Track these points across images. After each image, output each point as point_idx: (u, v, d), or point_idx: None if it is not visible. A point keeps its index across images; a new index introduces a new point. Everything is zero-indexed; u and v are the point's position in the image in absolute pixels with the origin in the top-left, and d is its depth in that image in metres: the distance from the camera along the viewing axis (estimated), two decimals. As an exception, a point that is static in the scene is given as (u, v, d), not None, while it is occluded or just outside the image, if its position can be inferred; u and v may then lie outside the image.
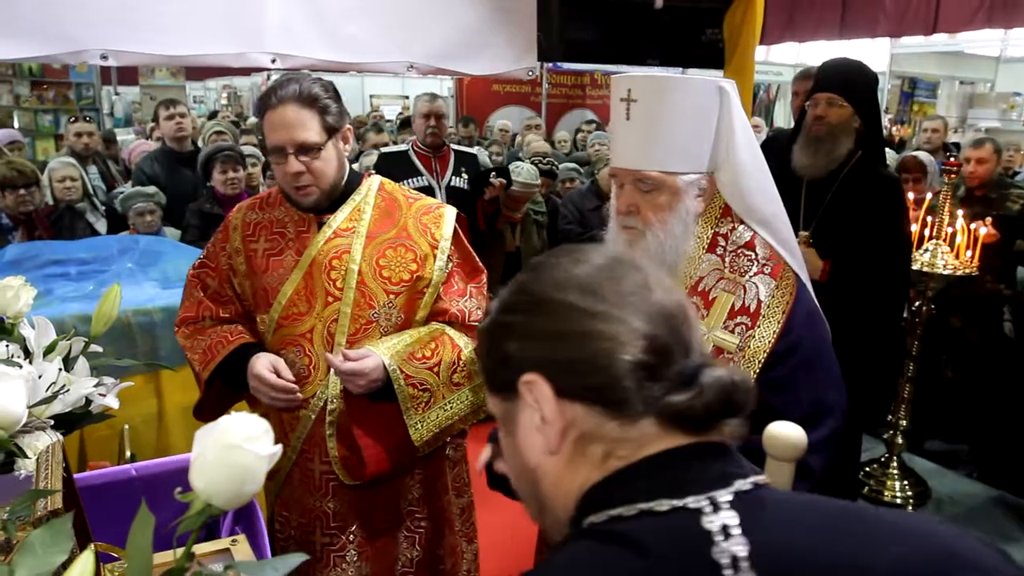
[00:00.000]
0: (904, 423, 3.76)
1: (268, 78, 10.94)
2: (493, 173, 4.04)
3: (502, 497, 1.24)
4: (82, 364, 1.38)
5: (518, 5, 4.44)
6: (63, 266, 2.91)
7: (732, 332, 1.47)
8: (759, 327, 1.46)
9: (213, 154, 4.02)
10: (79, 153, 4.99)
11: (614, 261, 0.78)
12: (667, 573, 0.65)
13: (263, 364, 1.70)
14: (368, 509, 1.86)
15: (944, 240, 3.51)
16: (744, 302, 1.48)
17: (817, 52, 8.18)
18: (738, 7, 4.76)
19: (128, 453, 2.13)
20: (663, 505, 0.68)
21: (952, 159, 3.60)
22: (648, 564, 0.65)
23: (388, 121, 9.18)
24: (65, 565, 0.71)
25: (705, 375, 0.72)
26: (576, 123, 8.59)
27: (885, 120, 9.13)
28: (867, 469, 3.80)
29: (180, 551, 0.71)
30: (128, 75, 9.81)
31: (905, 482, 3.72)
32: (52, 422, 1.22)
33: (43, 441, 1.14)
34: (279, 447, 0.72)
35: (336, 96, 1.73)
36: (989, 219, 3.73)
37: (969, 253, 3.48)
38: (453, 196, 4.03)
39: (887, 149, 5.57)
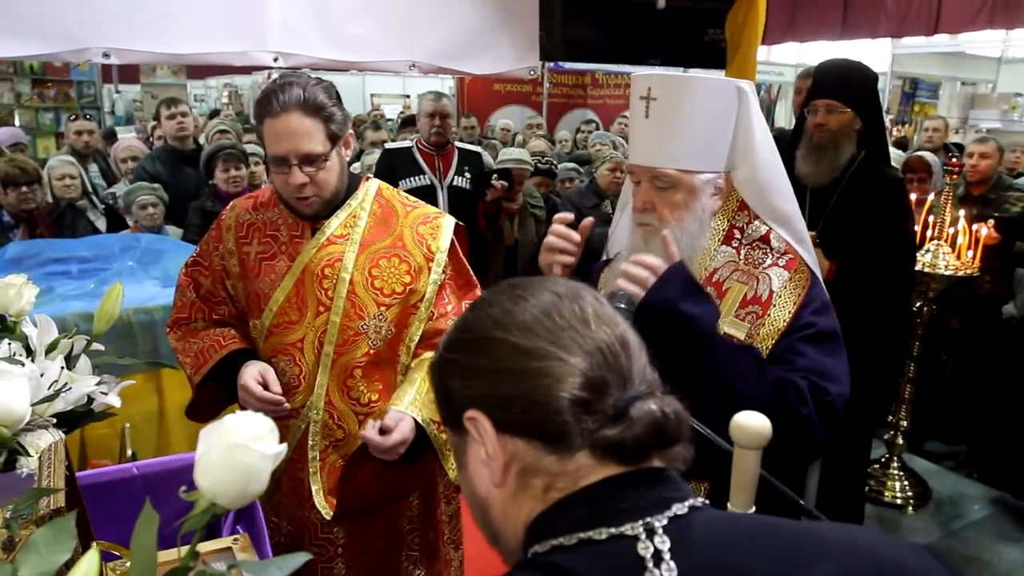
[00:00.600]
0: (905, 424, 3.76)
1: (268, 77, 10.95)
2: (495, 176, 4.05)
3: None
4: (84, 362, 1.38)
5: (520, 5, 4.44)
6: (64, 264, 2.91)
7: (743, 320, 1.49)
8: (769, 314, 1.47)
9: (215, 152, 4.02)
10: (79, 151, 5.00)
11: (555, 297, 0.78)
12: None
13: (250, 374, 1.66)
14: (359, 532, 1.80)
15: (945, 241, 3.51)
16: (756, 292, 1.49)
17: (818, 52, 8.19)
18: (740, 7, 4.76)
19: (129, 451, 2.13)
20: (601, 534, 0.70)
21: (954, 159, 3.60)
22: None
23: (389, 120, 9.17)
24: (68, 564, 0.71)
25: (636, 408, 0.73)
26: (577, 123, 8.58)
27: (887, 120, 9.12)
28: (868, 470, 3.80)
29: (184, 549, 0.71)
30: (129, 73, 9.81)
31: (905, 483, 3.72)
32: (54, 420, 1.22)
33: (45, 439, 1.14)
34: (283, 446, 0.72)
35: (339, 100, 1.68)
36: (991, 221, 3.73)
37: (970, 254, 3.49)
38: (455, 196, 4.03)
39: (895, 149, 5.59)
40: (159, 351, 2.69)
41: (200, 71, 11.56)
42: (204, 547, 1.44)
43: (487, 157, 4.68)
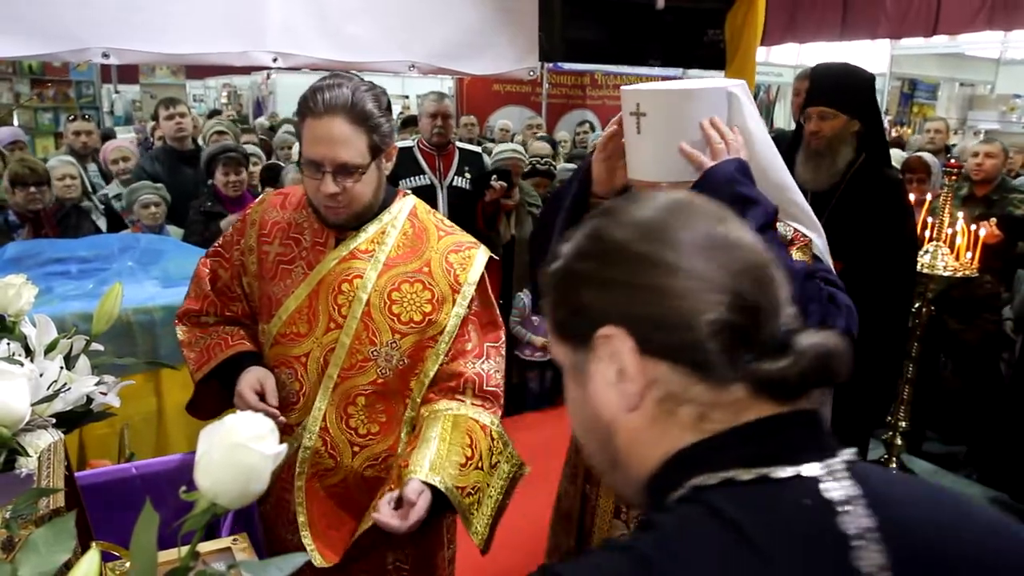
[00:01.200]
0: (903, 424, 3.76)
1: (268, 77, 10.95)
2: (494, 176, 4.05)
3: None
4: (83, 362, 1.38)
5: (520, 5, 4.44)
6: (64, 264, 2.91)
7: None
8: None
9: (217, 154, 4.02)
10: (78, 151, 5.00)
11: (694, 210, 0.72)
12: (791, 541, 0.61)
13: (248, 382, 1.58)
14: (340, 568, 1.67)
15: (944, 242, 3.52)
16: None
17: (818, 53, 8.20)
18: (740, 8, 4.77)
19: (128, 452, 2.13)
20: (780, 472, 0.64)
21: (953, 160, 3.60)
22: (770, 530, 0.61)
23: (390, 120, 9.15)
24: (68, 564, 0.71)
25: (800, 341, 0.67)
26: (577, 123, 8.59)
27: (885, 121, 9.12)
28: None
29: (184, 549, 0.71)
30: (128, 73, 9.81)
31: (905, 483, 3.72)
32: (53, 420, 1.22)
33: (45, 439, 1.13)
34: (284, 447, 0.72)
35: (388, 110, 1.57)
36: (993, 220, 3.73)
37: (969, 255, 3.49)
38: (454, 195, 4.04)
39: (895, 149, 5.59)
40: (158, 351, 2.69)
41: (199, 71, 11.56)
42: (204, 547, 1.44)
43: (487, 158, 4.70)
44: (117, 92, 9.91)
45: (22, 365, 1.13)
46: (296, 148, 5.83)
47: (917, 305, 3.57)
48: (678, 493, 0.67)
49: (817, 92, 2.74)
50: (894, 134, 9.02)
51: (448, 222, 1.74)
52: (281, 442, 1.63)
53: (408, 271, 1.62)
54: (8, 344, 1.30)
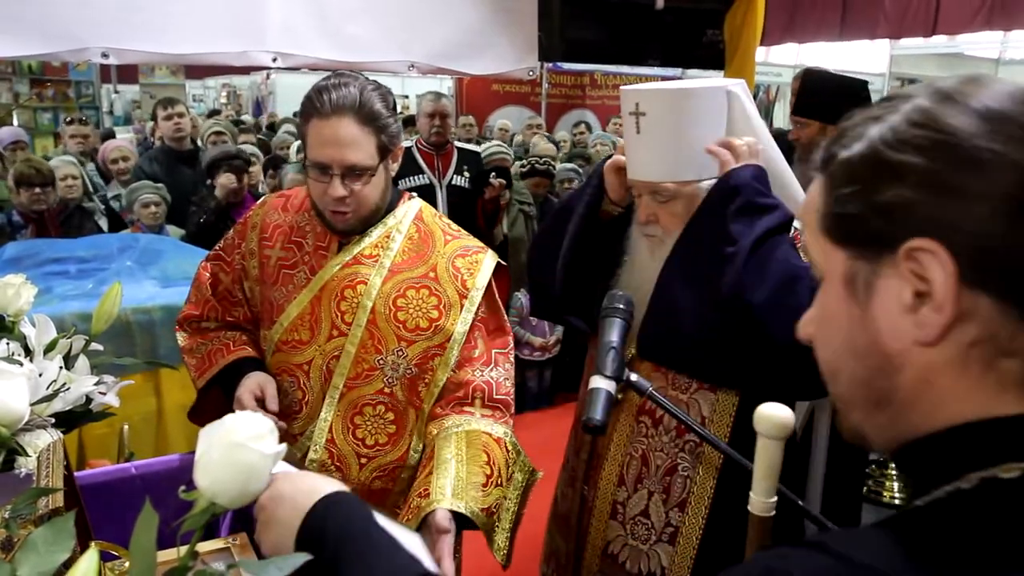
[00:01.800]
0: (903, 424, 3.76)
1: (268, 77, 10.95)
2: (493, 174, 4.06)
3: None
4: (82, 362, 1.38)
5: (519, 5, 4.44)
6: (63, 264, 2.91)
7: None
8: None
9: (220, 159, 3.99)
10: (77, 151, 5.01)
11: None
12: None
13: (247, 387, 1.53)
14: None
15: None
16: None
17: (817, 53, 8.20)
18: (739, 8, 4.77)
19: (127, 451, 2.13)
20: None
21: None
22: None
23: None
24: (67, 564, 0.71)
25: None
26: (573, 124, 8.60)
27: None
28: (866, 469, 3.80)
29: (183, 549, 0.71)
30: (128, 73, 9.81)
31: (904, 482, 3.72)
32: (53, 420, 1.22)
33: (44, 439, 1.13)
34: (284, 446, 0.72)
35: (394, 110, 1.53)
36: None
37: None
38: (454, 195, 4.05)
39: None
40: (157, 351, 2.69)
41: (199, 71, 11.57)
42: (203, 547, 1.44)
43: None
44: (116, 92, 9.92)
45: (21, 365, 1.13)
46: (295, 148, 5.84)
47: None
48: (964, 482, 0.54)
49: (794, 99, 2.92)
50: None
51: (455, 226, 1.70)
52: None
53: (414, 277, 1.58)
54: (7, 344, 1.30)
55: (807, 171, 2.93)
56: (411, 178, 3.98)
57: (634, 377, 1.37)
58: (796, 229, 1.57)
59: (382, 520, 0.78)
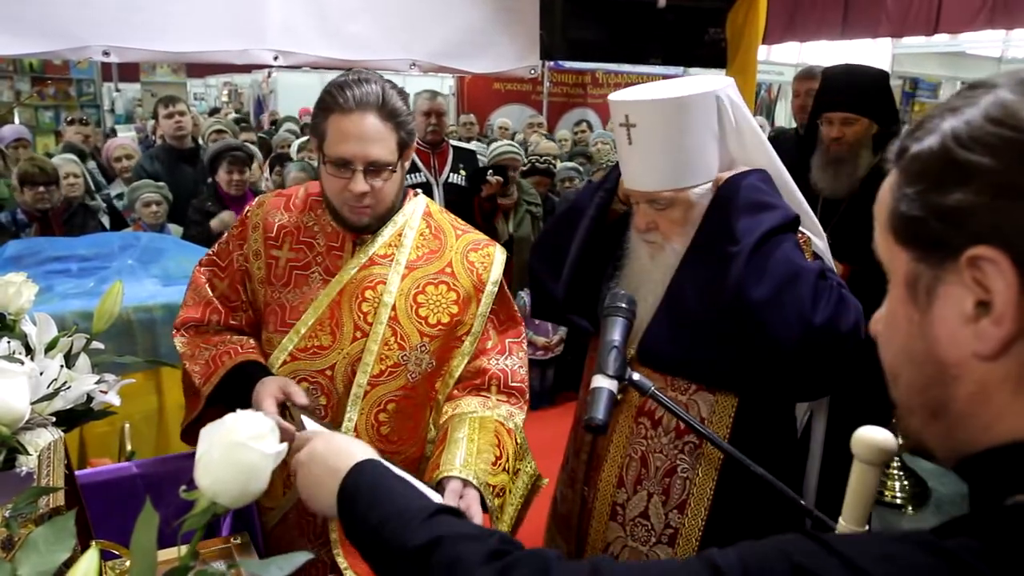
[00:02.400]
0: (904, 424, 3.76)
1: (269, 75, 10.95)
2: (490, 171, 4.06)
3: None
4: (83, 361, 1.38)
5: (521, 4, 4.44)
6: (64, 262, 2.91)
7: None
8: None
9: (222, 152, 4.01)
10: (78, 147, 5.02)
11: None
12: None
13: (269, 391, 1.45)
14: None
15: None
16: None
17: (819, 52, 8.18)
18: (741, 7, 4.76)
19: (128, 450, 2.13)
20: None
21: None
22: None
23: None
24: (68, 563, 0.70)
25: None
26: (574, 123, 8.61)
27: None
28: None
29: (184, 548, 0.71)
30: (129, 71, 9.83)
31: (905, 482, 3.72)
32: (53, 419, 1.22)
33: (45, 438, 1.13)
34: (284, 446, 0.72)
35: (410, 107, 1.54)
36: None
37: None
38: (451, 193, 4.05)
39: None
40: (158, 350, 2.68)
41: (200, 69, 11.58)
42: (204, 546, 1.44)
43: (481, 154, 4.71)
44: (118, 90, 9.93)
45: (22, 363, 1.13)
46: (296, 146, 5.83)
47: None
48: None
49: (837, 96, 2.66)
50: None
51: (461, 220, 1.72)
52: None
53: (431, 272, 1.59)
54: (8, 342, 1.30)
55: (842, 173, 2.83)
56: (408, 176, 3.98)
57: (636, 376, 1.36)
58: (801, 230, 1.57)
59: (406, 476, 0.93)
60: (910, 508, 3.64)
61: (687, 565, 0.61)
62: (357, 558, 1.58)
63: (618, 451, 1.58)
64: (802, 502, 1.31)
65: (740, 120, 1.49)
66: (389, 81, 1.51)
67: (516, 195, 4.47)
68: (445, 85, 9.09)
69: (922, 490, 3.72)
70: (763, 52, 6.20)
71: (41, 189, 3.56)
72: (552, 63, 8.16)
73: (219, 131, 5.22)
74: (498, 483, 1.47)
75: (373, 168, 1.46)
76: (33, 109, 9.09)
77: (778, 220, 1.42)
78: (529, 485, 1.60)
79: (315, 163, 2.03)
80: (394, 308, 1.55)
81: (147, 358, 2.53)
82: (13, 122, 8.07)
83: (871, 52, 8.29)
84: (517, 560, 0.69)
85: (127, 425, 2.29)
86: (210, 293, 1.66)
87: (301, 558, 0.71)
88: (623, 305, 1.40)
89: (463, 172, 4.16)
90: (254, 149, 5.38)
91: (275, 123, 8.66)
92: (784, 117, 10.75)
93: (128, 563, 1.26)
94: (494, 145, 4.70)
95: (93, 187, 4.60)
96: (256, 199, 1.71)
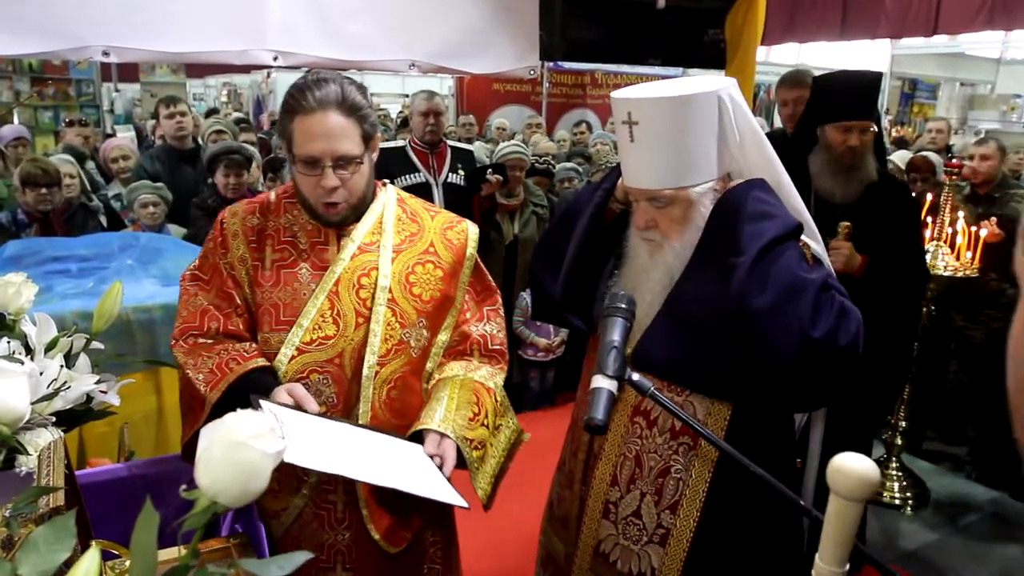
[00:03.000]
0: (903, 424, 3.76)
1: (268, 75, 10.94)
2: (489, 170, 4.05)
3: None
4: (83, 361, 1.38)
5: (520, 4, 4.44)
6: (63, 263, 2.91)
7: None
8: None
9: (220, 154, 4.00)
10: (77, 148, 5.02)
11: None
12: None
13: (280, 399, 1.48)
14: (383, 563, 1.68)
15: (945, 241, 3.51)
16: None
17: (818, 53, 8.19)
18: (740, 7, 4.77)
19: (128, 450, 2.13)
20: None
21: (953, 160, 3.61)
22: None
23: (390, 119, 9.14)
24: (68, 563, 0.70)
25: None
26: (574, 124, 8.60)
27: (885, 121, 9.14)
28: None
29: (184, 548, 0.71)
30: (129, 72, 9.82)
31: (904, 483, 3.72)
32: (53, 419, 1.22)
33: (44, 438, 1.13)
34: (284, 444, 0.72)
35: (369, 100, 1.60)
36: (994, 219, 3.72)
37: (969, 254, 3.49)
38: (450, 192, 4.05)
39: (901, 150, 5.54)
40: (158, 350, 2.68)
41: (199, 69, 11.56)
42: (203, 546, 1.44)
43: (480, 153, 4.70)
44: (117, 90, 9.91)
45: (22, 363, 1.13)
46: (296, 147, 5.82)
47: (918, 305, 3.57)
48: None
49: (859, 108, 2.64)
50: (895, 134, 9.02)
51: (429, 203, 1.82)
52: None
53: (416, 253, 1.69)
54: (8, 342, 1.30)
55: (855, 179, 2.82)
56: (407, 176, 3.98)
57: (636, 376, 1.36)
58: (804, 239, 1.56)
59: None
60: (909, 509, 3.64)
61: None
62: (384, 532, 1.64)
63: (613, 449, 1.58)
64: (801, 502, 1.31)
65: (741, 120, 1.49)
66: (347, 78, 1.58)
67: (523, 195, 4.46)
68: (444, 85, 9.08)
69: (921, 490, 3.73)
70: (762, 53, 6.20)
71: (43, 190, 3.56)
72: (551, 64, 8.15)
73: (219, 131, 5.22)
74: (476, 436, 1.60)
75: (341, 162, 1.53)
76: (32, 109, 9.07)
77: (780, 229, 1.42)
78: (512, 439, 1.74)
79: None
80: (391, 290, 1.63)
81: (146, 358, 2.53)
82: (12, 122, 8.07)
83: (870, 53, 8.30)
84: None
85: (126, 425, 2.29)
86: (204, 301, 1.66)
87: (301, 557, 0.71)
88: (623, 305, 1.40)
89: (462, 172, 4.16)
90: (253, 150, 5.38)
91: (275, 123, 8.65)
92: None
93: (128, 563, 1.26)
94: (501, 145, 4.68)
95: (91, 188, 4.60)
96: (227, 209, 1.72)
